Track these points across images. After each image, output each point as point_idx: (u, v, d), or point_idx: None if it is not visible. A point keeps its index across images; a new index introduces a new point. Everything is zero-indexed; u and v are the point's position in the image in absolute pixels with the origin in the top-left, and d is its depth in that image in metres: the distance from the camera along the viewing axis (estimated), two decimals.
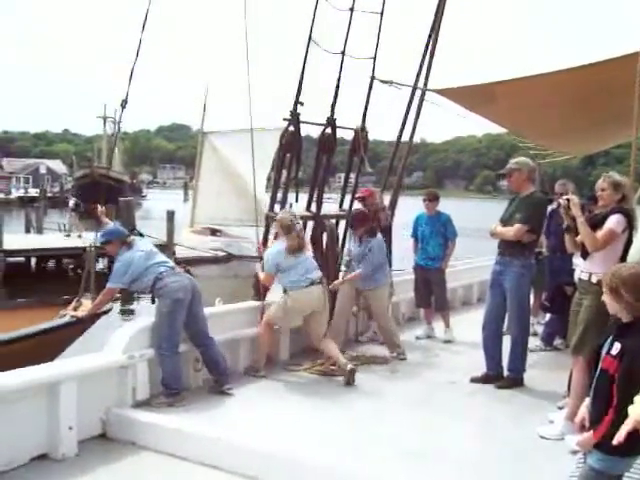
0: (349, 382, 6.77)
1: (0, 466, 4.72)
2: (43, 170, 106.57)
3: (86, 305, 6.69)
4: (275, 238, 7.46)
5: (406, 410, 6.16)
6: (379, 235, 8.09)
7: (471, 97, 7.47)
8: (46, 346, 6.28)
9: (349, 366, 6.87)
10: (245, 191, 28.84)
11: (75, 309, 6.73)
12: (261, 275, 7.25)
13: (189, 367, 6.48)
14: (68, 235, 29.22)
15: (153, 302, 6.30)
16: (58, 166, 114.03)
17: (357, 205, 8.96)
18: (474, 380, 6.96)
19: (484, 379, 6.93)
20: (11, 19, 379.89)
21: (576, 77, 6.89)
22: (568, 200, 5.56)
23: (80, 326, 6.64)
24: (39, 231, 32.52)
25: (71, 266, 25.46)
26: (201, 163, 32.49)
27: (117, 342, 5.78)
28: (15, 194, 76.77)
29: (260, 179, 28.60)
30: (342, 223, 8.65)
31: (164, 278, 6.19)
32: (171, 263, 6.51)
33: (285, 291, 7.09)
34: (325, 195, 8.42)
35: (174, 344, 6.04)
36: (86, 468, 4.92)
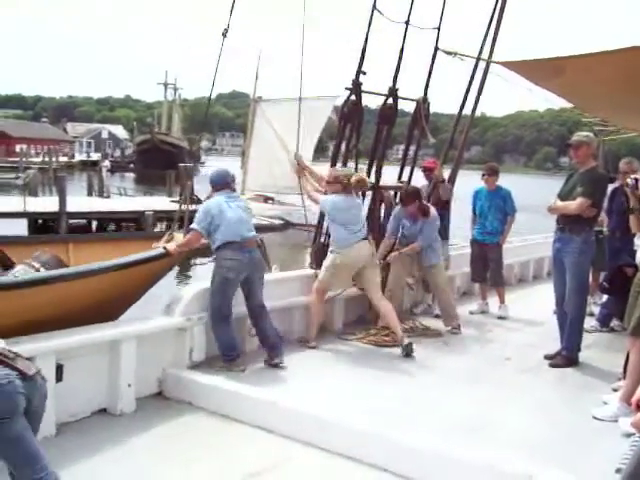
0: (408, 354, 6.79)
1: (66, 416, 4.95)
2: (105, 135, 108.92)
3: (178, 238, 6.72)
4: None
5: (458, 384, 6.16)
6: (432, 214, 8.00)
7: (538, 70, 7.28)
8: (136, 277, 6.30)
9: (406, 341, 6.89)
10: (293, 159, 28.84)
11: (168, 242, 6.72)
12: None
13: (244, 332, 6.59)
14: (108, 196, 31.72)
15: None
16: (120, 131, 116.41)
17: (421, 176, 8.94)
18: (548, 357, 6.88)
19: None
20: None
21: None
22: (637, 180, 5.42)
23: (169, 259, 6.56)
24: (100, 194, 33.39)
25: (130, 229, 25.98)
26: (253, 131, 32.56)
27: (176, 304, 5.92)
28: (78, 158, 78.42)
29: (308, 149, 28.59)
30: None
31: (226, 250, 6.10)
32: (246, 232, 6.27)
33: (332, 251, 7.16)
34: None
35: (225, 314, 6.11)
36: (143, 424, 5.10)
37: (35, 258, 6.61)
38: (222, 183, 6.46)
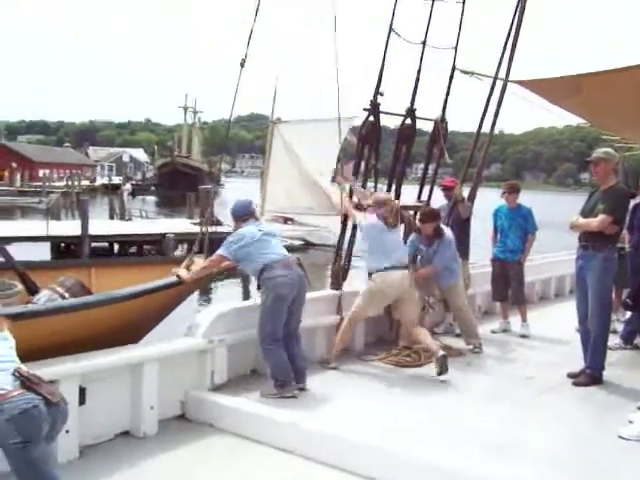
0: (442, 370, 6.64)
1: (89, 439, 4.97)
2: (126, 158, 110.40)
3: (198, 263, 6.73)
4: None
5: (483, 404, 6.12)
6: (446, 235, 7.95)
7: (555, 89, 7.29)
8: (151, 305, 6.36)
9: (441, 352, 6.75)
10: (310, 180, 29.05)
11: (187, 267, 6.74)
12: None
13: None
14: (129, 219, 32.72)
15: (259, 288, 6.21)
16: (140, 155, 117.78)
17: (440, 195, 8.94)
18: (571, 376, 6.80)
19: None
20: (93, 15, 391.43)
21: None
22: None
23: (183, 287, 6.62)
24: (122, 217, 33.74)
25: (152, 252, 26.15)
26: (271, 152, 32.79)
27: (197, 326, 5.95)
28: (100, 181, 79.24)
29: (329, 168, 28.72)
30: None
31: (273, 269, 6.05)
32: (285, 253, 6.35)
33: (370, 275, 7.06)
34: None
35: (277, 338, 6.05)
36: (166, 447, 5.11)
37: (59, 283, 6.83)
38: (247, 213, 6.48)
